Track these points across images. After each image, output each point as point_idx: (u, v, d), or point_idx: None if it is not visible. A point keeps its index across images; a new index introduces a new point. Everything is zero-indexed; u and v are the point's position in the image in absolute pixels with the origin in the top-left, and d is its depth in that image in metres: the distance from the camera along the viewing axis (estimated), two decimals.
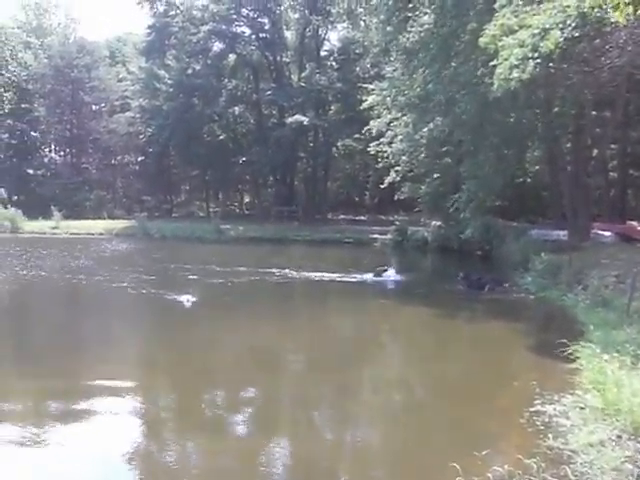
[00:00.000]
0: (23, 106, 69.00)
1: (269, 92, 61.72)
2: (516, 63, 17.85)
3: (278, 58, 64.32)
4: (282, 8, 63.54)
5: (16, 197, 65.65)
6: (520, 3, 19.78)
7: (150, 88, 63.13)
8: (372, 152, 41.42)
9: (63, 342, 15.68)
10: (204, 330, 17.02)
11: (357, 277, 26.50)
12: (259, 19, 62.78)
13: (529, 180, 44.11)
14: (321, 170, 66.81)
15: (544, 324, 18.80)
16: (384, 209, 62.65)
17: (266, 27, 62.73)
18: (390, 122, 38.40)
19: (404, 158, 37.87)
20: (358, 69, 60.16)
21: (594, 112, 35.13)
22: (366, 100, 41.67)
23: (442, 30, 27.26)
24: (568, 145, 33.88)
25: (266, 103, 63.57)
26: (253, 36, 63.38)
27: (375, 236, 44.66)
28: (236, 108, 65.19)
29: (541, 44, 17.17)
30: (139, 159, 74.11)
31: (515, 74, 17.98)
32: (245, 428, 10.29)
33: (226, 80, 64.77)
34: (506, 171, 30.55)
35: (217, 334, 16.75)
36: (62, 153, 76.38)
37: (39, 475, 8.25)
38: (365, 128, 43.16)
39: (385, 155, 39.24)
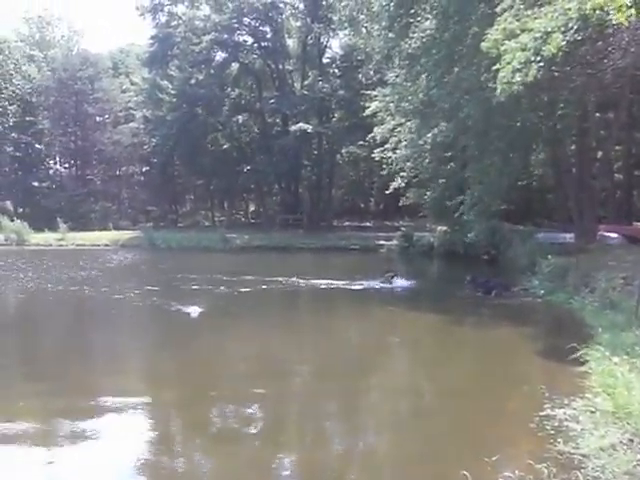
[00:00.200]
0: (27, 119, 69.37)
1: (272, 100, 61.80)
2: (519, 67, 17.80)
3: (280, 66, 64.48)
4: (284, 16, 63.69)
5: (22, 209, 65.97)
6: (521, 7, 19.74)
7: (153, 99, 63.49)
8: (376, 158, 41.43)
9: (69, 356, 15.60)
10: (212, 341, 17.01)
11: (364, 284, 26.44)
12: (261, 28, 62.91)
13: (534, 183, 44.07)
14: (325, 177, 66.87)
15: (552, 327, 18.73)
16: (389, 215, 62.73)
17: (268, 35, 62.90)
18: (394, 128, 38.44)
19: (409, 164, 37.91)
20: (361, 76, 60.21)
21: (598, 114, 35.13)
22: (369, 107, 41.74)
23: (444, 35, 27.25)
24: (572, 147, 33.86)
25: (269, 111, 63.65)
26: (255, 45, 63.55)
27: (381, 242, 44.68)
28: (240, 117, 65.37)
29: (543, 47, 17.14)
30: (144, 170, 74.37)
31: (518, 78, 17.93)
32: (254, 438, 10.21)
33: (229, 89, 65.05)
34: (511, 175, 30.50)
35: (225, 344, 16.72)
36: (67, 165, 76.67)
37: None
38: (369, 135, 43.21)
39: (389, 161, 39.26)
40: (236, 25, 61.74)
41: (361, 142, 55.21)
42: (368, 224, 63.97)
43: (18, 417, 10.68)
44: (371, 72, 55.32)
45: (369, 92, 45.57)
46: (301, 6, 63.31)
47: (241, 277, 28.22)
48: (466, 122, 27.67)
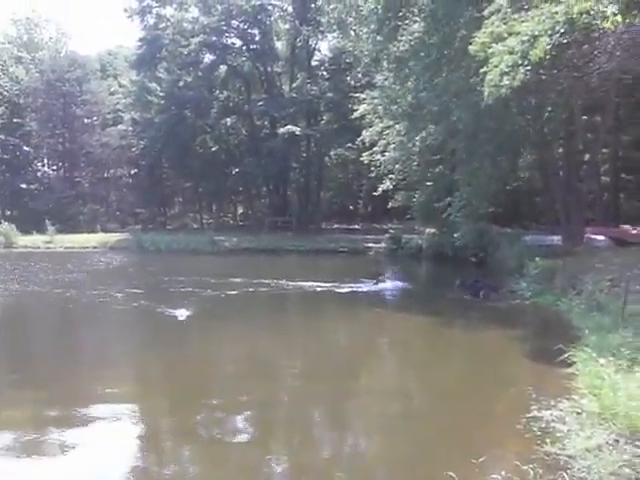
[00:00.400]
0: (15, 121, 68.95)
1: (261, 103, 61.75)
2: (506, 70, 17.89)
3: (269, 69, 64.40)
4: (272, 19, 63.52)
5: (9, 212, 65.74)
6: (509, 10, 19.84)
7: (142, 101, 63.35)
8: (365, 161, 41.40)
9: (54, 361, 15.50)
10: (200, 344, 16.97)
11: (353, 286, 26.48)
12: (249, 30, 62.82)
13: (522, 186, 44.22)
14: (314, 180, 66.83)
15: (539, 329, 18.80)
16: (378, 218, 62.81)
17: (256, 38, 62.79)
18: (382, 131, 38.47)
19: (397, 166, 37.95)
20: (349, 78, 60.14)
21: (585, 117, 35.35)
22: (358, 109, 41.80)
23: (433, 38, 27.32)
24: (560, 150, 33.98)
25: (258, 114, 63.57)
26: (244, 47, 63.43)
27: (369, 245, 44.75)
28: (228, 119, 65.30)
29: (530, 51, 17.23)
30: (132, 172, 74.02)
31: (506, 81, 18.01)
32: (243, 442, 10.22)
33: (217, 92, 64.96)
34: (499, 178, 30.62)
35: (213, 347, 16.68)
36: (55, 167, 76.24)
37: None
38: (358, 137, 43.24)
39: (378, 164, 39.26)
40: (224, 27, 61.63)
41: (350, 145, 55.37)
42: (357, 227, 63.97)
43: (3, 426, 10.65)
44: (360, 75, 55.27)
45: (358, 95, 45.56)
46: (290, 9, 63.19)
47: (229, 280, 28.20)
48: (455, 125, 27.73)
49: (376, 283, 26.54)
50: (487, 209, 31.39)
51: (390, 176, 39.14)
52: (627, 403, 8.64)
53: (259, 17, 61.05)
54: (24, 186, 68.84)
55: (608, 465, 7.40)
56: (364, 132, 40.75)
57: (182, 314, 19.96)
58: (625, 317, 14.09)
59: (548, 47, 17.07)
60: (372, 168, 40.43)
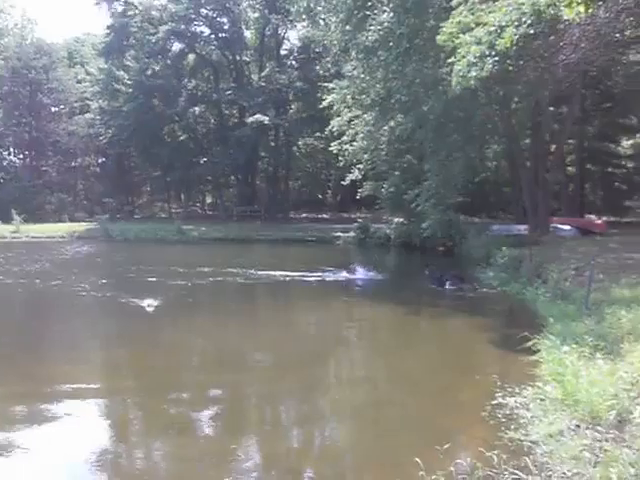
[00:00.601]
0: None
1: (229, 92, 61.59)
2: (474, 60, 18.01)
3: (238, 57, 64.22)
4: (241, 7, 63.23)
5: None
6: (476, 1, 19.94)
7: (109, 89, 62.66)
8: (334, 151, 41.41)
9: (16, 352, 14.96)
10: (167, 335, 16.83)
11: (322, 275, 26.53)
12: (218, 19, 62.59)
13: (490, 176, 44.59)
14: (283, 169, 66.87)
15: (505, 318, 19.00)
16: (346, 207, 63.00)
17: (225, 26, 62.58)
18: (351, 120, 38.48)
19: (365, 156, 38.02)
20: (318, 68, 60.23)
21: (552, 108, 35.69)
22: (326, 99, 41.75)
23: (402, 28, 27.37)
24: (527, 141, 34.34)
25: (226, 103, 63.39)
26: (212, 36, 63.22)
27: (338, 234, 44.79)
28: (196, 108, 64.80)
29: (497, 41, 17.36)
30: (100, 161, 73.53)
31: (473, 72, 18.14)
32: (211, 428, 10.24)
33: (186, 80, 64.53)
34: (468, 168, 30.83)
35: (181, 338, 16.50)
36: (21, 156, 75.10)
37: None
38: (326, 127, 43.21)
39: (346, 154, 39.28)
40: (193, 15, 61.34)
41: (318, 134, 55.44)
42: (325, 216, 64.11)
43: None
44: (329, 64, 55.33)
45: (326, 84, 45.51)
46: None
47: (198, 269, 28.10)
48: (425, 115, 27.85)
49: (347, 272, 26.61)
50: (455, 199, 31.62)
51: (358, 166, 39.22)
52: (589, 389, 8.74)
53: (228, 5, 60.89)
54: None
55: (569, 450, 7.49)
56: (332, 121, 40.71)
57: (150, 304, 19.61)
58: (589, 305, 14.27)
59: (515, 37, 17.21)
60: (340, 158, 40.44)
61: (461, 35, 18.81)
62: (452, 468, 7.37)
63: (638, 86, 42.04)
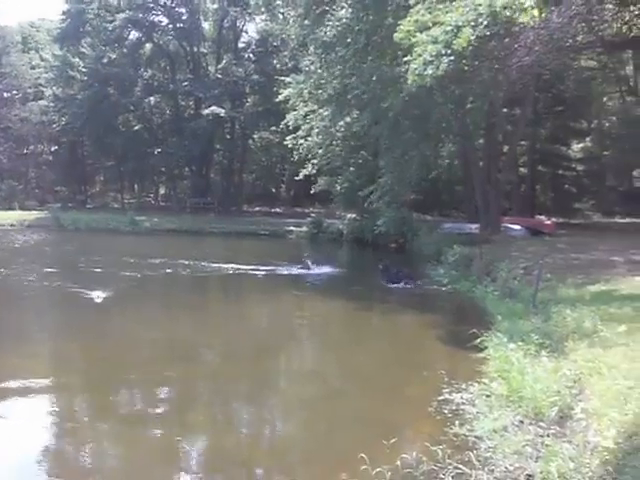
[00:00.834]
0: None
1: (186, 83, 61.16)
2: (430, 59, 18.14)
3: (195, 49, 63.74)
4: None
5: None
6: (434, 0, 20.08)
7: (64, 76, 61.61)
8: (289, 145, 41.38)
9: None
10: (116, 326, 16.68)
11: (273, 269, 26.51)
12: (177, 9, 62.13)
13: (443, 175, 44.97)
14: (237, 162, 66.69)
15: (455, 315, 19.14)
16: (300, 202, 63.00)
17: (184, 17, 62.08)
18: (306, 115, 38.48)
19: (320, 151, 38.01)
20: (275, 61, 60.10)
21: (505, 109, 36.17)
22: (283, 93, 41.68)
23: (361, 25, 27.45)
24: (481, 141, 34.73)
25: (183, 94, 62.81)
26: (170, 26, 62.64)
27: (291, 228, 44.80)
28: (152, 98, 64.38)
29: (454, 41, 17.52)
30: (53, 149, 72.38)
31: (429, 70, 18.27)
32: (160, 422, 10.14)
33: (142, 70, 63.96)
34: (422, 165, 31.07)
35: (130, 330, 16.33)
36: None
37: None
38: (282, 121, 43.16)
39: (301, 148, 39.27)
40: (151, 5, 60.81)
41: (274, 128, 55.33)
42: (279, 210, 63.98)
43: None
44: (286, 58, 55.26)
45: (283, 78, 45.43)
46: None
47: (149, 260, 27.89)
48: (383, 112, 27.93)
49: (302, 267, 26.59)
50: (409, 196, 31.86)
51: (313, 161, 39.17)
52: (533, 386, 8.92)
53: None
54: None
55: (512, 445, 7.64)
56: (288, 116, 40.67)
57: (99, 295, 19.27)
58: (536, 304, 14.52)
59: (471, 38, 17.39)
60: (295, 152, 40.42)
61: (418, 34, 18.91)
62: (398, 462, 7.44)
63: (588, 91, 42.96)
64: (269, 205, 66.84)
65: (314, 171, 40.14)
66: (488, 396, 9.72)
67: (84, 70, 60.66)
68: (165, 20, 62.55)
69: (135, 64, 62.57)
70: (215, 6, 63.31)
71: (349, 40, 28.11)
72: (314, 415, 10.56)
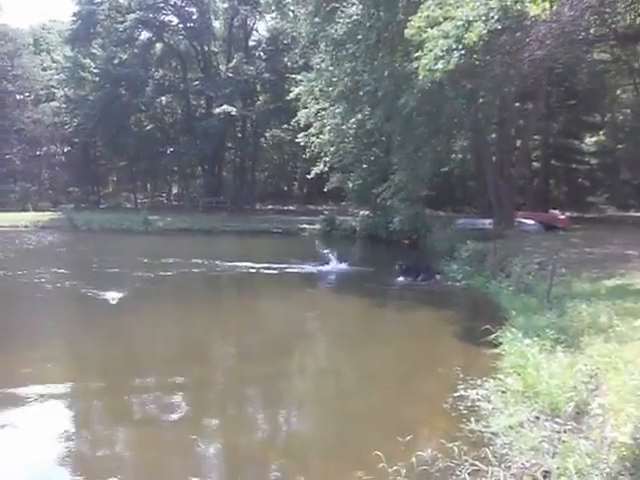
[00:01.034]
0: None
1: (197, 82, 61.25)
2: (441, 54, 18.11)
3: (206, 48, 63.81)
4: None
5: None
6: None
7: (76, 77, 61.80)
8: (300, 143, 41.38)
9: None
10: (132, 328, 16.65)
11: (286, 267, 26.44)
12: (187, 8, 62.11)
13: (456, 170, 44.84)
14: (249, 160, 66.76)
15: (469, 311, 19.08)
16: (313, 199, 62.97)
17: (194, 16, 62.08)
18: (318, 112, 38.48)
19: (332, 149, 37.96)
20: (286, 59, 60.13)
21: (517, 104, 36.01)
22: (294, 91, 41.70)
23: (372, 22, 27.44)
24: (493, 136, 34.59)
25: (194, 93, 62.93)
26: (181, 25, 62.70)
27: (304, 226, 44.80)
28: (163, 98, 64.51)
29: (465, 35, 17.47)
30: (65, 150, 72.70)
31: (440, 65, 18.23)
32: (175, 419, 10.16)
33: (153, 70, 64.08)
34: (435, 161, 30.98)
35: (145, 331, 16.38)
36: None
37: None
38: (293, 119, 43.20)
39: (313, 146, 39.26)
40: (161, 4, 60.85)
41: (285, 126, 55.41)
42: (291, 208, 64.00)
43: None
44: (297, 56, 55.24)
45: (294, 76, 45.46)
46: None
47: (162, 260, 27.92)
48: (396, 109, 27.83)
49: (322, 263, 26.57)
50: (422, 192, 31.77)
51: (324, 159, 39.12)
52: (549, 382, 8.88)
53: None
54: None
55: (528, 441, 7.60)
56: (300, 113, 40.70)
57: (113, 297, 19.26)
58: (550, 299, 14.44)
59: (483, 32, 17.35)
60: (307, 150, 40.42)
61: (429, 29, 18.89)
62: (413, 459, 7.42)
63: (601, 84, 42.69)
64: (282, 203, 66.88)
65: (326, 169, 40.11)
66: (504, 392, 9.68)
67: (95, 71, 60.85)
68: (175, 20, 62.62)
69: (146, 64, 62.70)
70: (225, 5, 63.27)
71: (360, 37, 28.11)
72: (329, 412, 10.56)
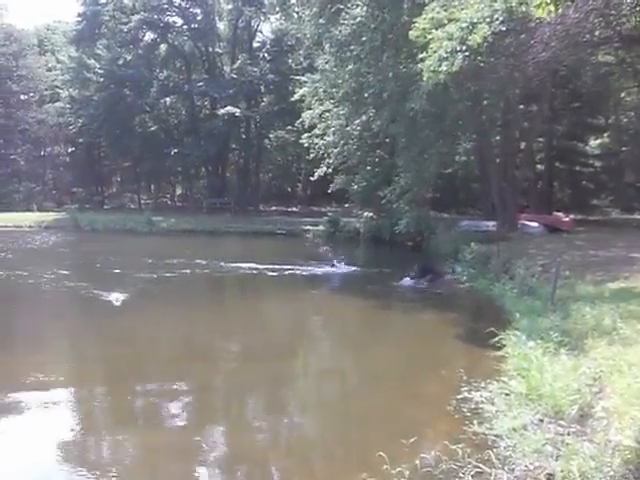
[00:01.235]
0: None
1: (201, 83, 61.23)
2: (445, 56, 18.12)
3: (210, 49, 63.85)
4: None
5: None
6: None
7: (80, 78, 61.79)
8: (305, 144, 41.39)
9: None
10: (135, 329, 16.62)
11: (290, 268, 26.44)
12: (191, 9, 62.21)
13: (460, 172, 44.82)
14: (253, 162, 66.80)
15: (473, 313, 19.10)
16: (317, 201, 62.91)
17: (198, 17, 62.15)
18: (322, 114, 38.50)
19: (336, 150, 37.92)
20: (290, 61, 60.19)
21: (521, 106, 35.95)
22: (298, 92, 41.72)
23: (377, 23, 27.44)
24: (497, 138, 34.55)
25: (198, 94, 62.88)
26: (185, 26, 62.75)
27: (307, 227, 44.80)
28: (168, 99, 64.66)
29: (469, 37, 17.48)
30: (69, 150, 72.78)
31: (444, 67, 18.25)
32: (178, 420, 10.21)
33: (158, 70, 64.09)
34: (439, 163, 30.95)
35: (149, 333, 16.30)
36: None
37: None
38: (298, 120, 43.22)
39: (317, 147, 39.25)
40: (166, 5, 60.93)
41: (289, 127, 55.43)
42: (295, 209, 63.98)
43: None
44: (301, 57, 55.24)
45: (299, 77, 45.47)
46: None
47: (166, 261, 27.90)
48: (401, 111, 27.79)
49: (326, 266, 26.59)
50: (427, 195, 31.74)
51: (328, 160, 39.09)
52: (552, 384, 8.86)
53: None
54: None
55: (532, 443, 7.58)
56: (304, 114, 40.71)
57: (117, 298, 19.20)
58: (554, 302, 14.41)
59: (487, 34, 17.35)
60: (311, 151, 40.42)
61: (433, 31, 18.90)
62: (417, 461, 7.42)
63: (606, 87, 42.60)
64: (285, 204, 66.85)
65: (330, 170, 40.08)
66: (507, 394, 9.66)
67: (100, 72, 60.84)
68: (180, 21, 62.70)
69: (150, 65, 62.74)
70: (230, 6, 63.33)
71: (364, 38, 28.11)
72: (333, 414, 10.56)
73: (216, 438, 9.46)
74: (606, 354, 9.32)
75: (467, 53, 17.78)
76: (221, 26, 65.69)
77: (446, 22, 18.86)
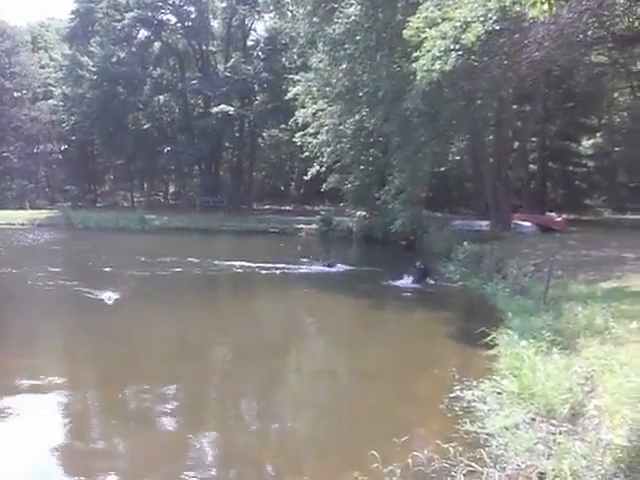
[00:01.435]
0: None
1: (195, 81, 61.18)
2: (438, 55, 18.13)
3: (204, 47, 63.75)
4: None
5: None
6: None
7: (73, 75, 61.66)
8: (298, 142, 41.37)
9: None
10: (128, 328, 16.52)
11: (283, 266, 26.42)
12: (185, 7, 62.08)
13: (453, 171, 44.84)
14: (246, 160, 66.77)
15: (465, 312, 19.14)
16: (310, 199, 62.87)
17: (192, 15, 62.03)
18: (315, 112, 38.48)
19: (329, 149, 37.88)
20: (284, 59, 60.14)
21: (515, 106, 36.03)
22: (292, 90, 41.70)
23: (371, 22, 27.44)
24: (490, 137, 34.60)
25: (192, 92, 62.80)
26: (179, 24, 62.64)
27: (300, 226, 44.73)
28: (161, 97, 64.54)
29: (463, 36, 17.50)
30: (62, 148, 72.54)
31: (437, 66, 18.27)
32: (170, 420, 10.18)
33: (151, 68, 63.96)
34: (433, 163, 30.98)
35: (142, 332, 16.26)
36: None
37: None
38: (291, 119, 43.19)
39: (310, 146, 39.23)
40: (160, 3, 60.73)
41: (283, 126, 55.41)
42: (288, 208, 63.89)
43: None
44: (295, 56, 55.26)
45: (292, 76, 45.47)
46: None
47: (159, 259, 27.87)
48: (395, 110, 27.79)
49: (324, 265, 26.53)
50: (422, 194, 31.76)
51: (321, 159, 39.05)
52: (544, 383, 8.88)
53: None
54: None
55: (524, 442, 7.59)
56: (297, 113, 40.69)
57: (110, 297, 18.95)
58: (547, 301, 14.44)
59: (481, 33, 17.37)
60: (305, 150, 40.40)
61: (427, 30, 18.91)
62: (409, 460, 7.42)
63: (599, 87, 42.70)
64: (279, 203, 66.81)
65: (323, 169, 40.07)
66: (499, 393, 9.67)
67: (93, 69, 60.66)
68: (174, 19, 62.57)
69: (144, 63, 62.62)
70: (224, 4, 63.20)
71: (358, 37, 28.11)
72: (325, 412, 10.57)
73: (208, 437, 9.43)
74: (598, 353, 9.34)
75: (461, 52, 17.83)
76: (215, 24, 65.60)
77: (440, 21, 18.89)
